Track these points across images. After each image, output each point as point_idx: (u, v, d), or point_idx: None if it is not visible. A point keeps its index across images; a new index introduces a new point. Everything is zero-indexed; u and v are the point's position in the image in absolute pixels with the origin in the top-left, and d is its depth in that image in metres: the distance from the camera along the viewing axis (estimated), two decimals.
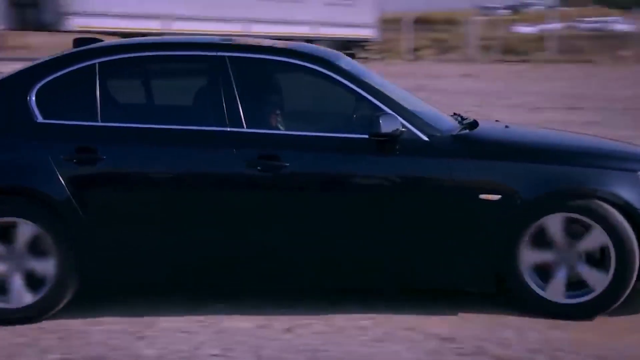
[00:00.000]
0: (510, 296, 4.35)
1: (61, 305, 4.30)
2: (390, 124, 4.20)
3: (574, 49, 28.72)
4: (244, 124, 4.33)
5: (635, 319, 4.30)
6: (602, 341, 3.97)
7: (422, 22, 35.10)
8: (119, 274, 4.38)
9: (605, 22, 38.29)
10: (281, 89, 4.83)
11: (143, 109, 4.76)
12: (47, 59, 4.65)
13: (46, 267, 4.26)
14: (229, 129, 4.32)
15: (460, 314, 4.32)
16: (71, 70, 4.48)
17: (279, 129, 4.49)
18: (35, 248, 4.26)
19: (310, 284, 4.50)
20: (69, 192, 4.22)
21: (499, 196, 4.18)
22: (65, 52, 4.71)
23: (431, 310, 4.37)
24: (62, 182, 4.22)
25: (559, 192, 4.24)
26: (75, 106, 4.46)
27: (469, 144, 4.38)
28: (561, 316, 4.24)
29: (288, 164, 4.26)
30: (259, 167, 4.26)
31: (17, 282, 4.24)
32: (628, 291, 4.24)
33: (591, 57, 27.41)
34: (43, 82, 4.44)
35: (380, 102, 4.40)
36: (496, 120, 5.43)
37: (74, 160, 4.27)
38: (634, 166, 4.34)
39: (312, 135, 4.42)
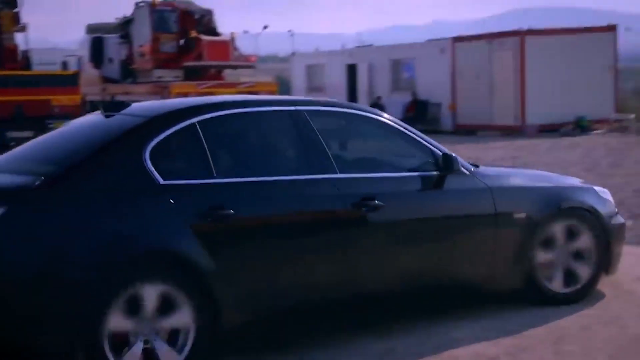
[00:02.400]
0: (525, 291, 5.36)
1: None
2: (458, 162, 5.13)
3: None
4: (337, 170, 4.77)
5: None
6: None
7: None
8: (258, 324, 4.46)
9: None
10: (357, 138, 5.48)
11: (248, 163, 4.77)
12: (147, 119, 4.54)
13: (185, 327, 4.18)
14: (333, 176, 4.73)
15: None
16: (176, 130, 4.46)
17: (371, 172, 5.02)
18: (167, 309, 4.13)
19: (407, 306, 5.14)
20: (207, 252, 4.22)
21: (525, 214, 5.32)
22: (162, 112, 4.68)
23: None
24: (200, 243, 4.22)
25: (565, 206, 5.52)
26: (189, 165, 4.52)
27: (495, 177, 5.42)
28: (553, 302, 5.39)
29: (384, 204, 4.77)
30: (364, 208, 4.72)
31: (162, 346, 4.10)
32: None
33: None
34: (153, 143, 4.34)
35: (431, 145, 5.19)
36: None
37: (209, 219, 4.27)
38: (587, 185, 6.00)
39: (398, 176, 5.08)
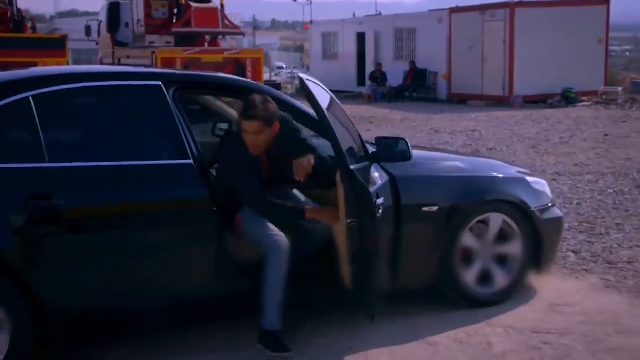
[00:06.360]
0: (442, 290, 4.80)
1: None
2: None
3: None
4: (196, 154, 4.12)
5: None
6: None
7: None
8: (95, 324, 3.97)
9: None
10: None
11: (89, 145, 4.04)
12: None
13: None
14: (188, 162, 4.09)
15: None
16: (2, 105, 3.83)
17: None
18: None
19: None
20: (28, 251, 3.66)
21: (437, 207, 4.63)
22: None
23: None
24: (18, 240, 3.64)
25: (487, 199, 4.83)
26: (13, 147, 3.85)
27: (407, 165, 4.64)
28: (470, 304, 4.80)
29: None
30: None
31: None
32: None
33: None
34: None
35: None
36: None
37: (28, 211, 3.67)
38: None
39: None
